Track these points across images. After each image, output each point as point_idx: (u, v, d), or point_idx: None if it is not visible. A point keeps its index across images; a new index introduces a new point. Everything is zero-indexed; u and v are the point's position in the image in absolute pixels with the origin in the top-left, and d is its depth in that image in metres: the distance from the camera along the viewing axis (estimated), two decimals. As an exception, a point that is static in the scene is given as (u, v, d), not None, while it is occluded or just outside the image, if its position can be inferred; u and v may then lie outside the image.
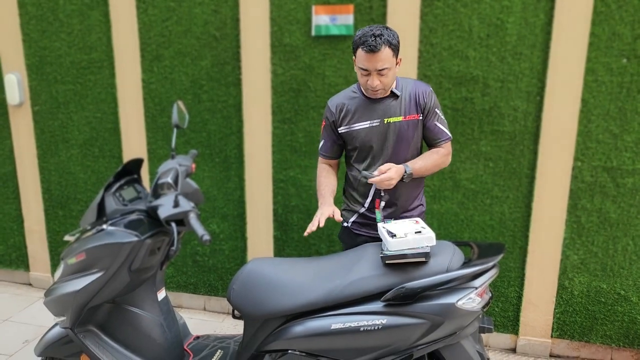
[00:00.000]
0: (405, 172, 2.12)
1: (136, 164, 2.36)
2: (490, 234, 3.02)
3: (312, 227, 2.12)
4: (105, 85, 3.40)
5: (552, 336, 3.08)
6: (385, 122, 2.21)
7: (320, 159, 2.45)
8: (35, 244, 3.86)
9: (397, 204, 2.32)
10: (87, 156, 3.56)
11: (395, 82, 2.22)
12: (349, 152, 2.36)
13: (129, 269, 2.08)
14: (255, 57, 3.10)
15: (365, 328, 1.90)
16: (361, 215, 2.37)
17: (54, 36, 3.40)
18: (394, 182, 2.09)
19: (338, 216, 2.19)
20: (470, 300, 1.90)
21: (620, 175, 2.78)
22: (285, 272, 2.10)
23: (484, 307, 1.95)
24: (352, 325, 1.91)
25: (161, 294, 2.34)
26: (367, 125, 2.23)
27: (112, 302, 2.20)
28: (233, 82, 3.18)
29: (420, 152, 2.30)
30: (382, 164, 2.18)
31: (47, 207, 3.75)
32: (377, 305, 1.92)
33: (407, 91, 2.22)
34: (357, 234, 2.39)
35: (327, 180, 2.37)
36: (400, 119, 2.20)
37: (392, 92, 2.21)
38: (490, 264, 1.94)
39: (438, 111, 2.24)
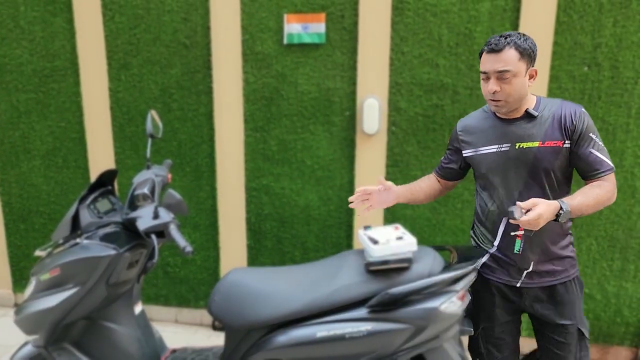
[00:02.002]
0: (562, 209, 1.72)
1: (109, 175, 2.30)
2: (462, 238, 3.09)
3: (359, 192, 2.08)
4: (69, 94, 3.30)
5: (522, 335, 3.16)
6: (517, 147, 1.88)
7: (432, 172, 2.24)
8: (-6, 259, 3.70)
9: (534, 246, 1.95)
10: (50, 167, 3.44)
11: (535, 101, 1.90)
12: (476, 179, 2.09)
13: (106, 283, 2.02)
14: (226, 65, 3.07)
15: (351, 335, 1.90)
16: (492, 256, 2.04)
17: (15, 43, 3.28)
18: (542, 222, 1.70)
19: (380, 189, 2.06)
20: (452, 303, 1.94)
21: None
22: (267, 282, 2.09)
23: (465, 309, 2.00)
24: (338, 332, 1.91)
25: (138, 308, 2.29)
26: (495, 150, 1.92)
27: (87, 318, 2.13)
28: (204, 91, 3.15)
29: (566, 186, 1.93)
30: (510, 196, 1.92)
31: (8, 221, 3.60)
32: (362, 312, 1.93)
33: (548, 112, 1.87)
34: (488, 279, 2.05)
35: (420, 183, 2.18)
36: (537, 145, 1.85)
37: (527, 112, 1.88)
38: (470, 267, 1.98)
39: (594, 136, 1.83)
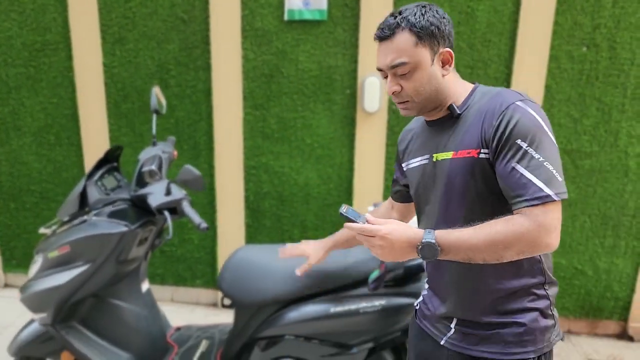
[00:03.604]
0: (422, 240, 1.18)
1: (114, 151, 2.26)
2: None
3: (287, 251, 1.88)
4: (61, 68, 3.21)
5: None
6: (434, 159, 1.35)
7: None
8: (-17, 239, 3.62)
9: (445, 298, 1.40)
10: (42, 145, 3.35)
11: (468, 93, 1.33)
12: None
13: (116, 260, 2.00)
14: (225, 41, 3.02)
15: (365, 310, 1.93)
16: (424, 298, 1.52)
17: (3, 15, 3.16)
18: (383, 250, 1.21)
19: (299, 270, 1.86)
20: (463, 278, 1.97)
21: (579, 157, 2.96)
22: (278, 258, 2.09)
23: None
24: (352, 308, 1.93)
25: (144, 286, 2.27)
26: (418, 163, 1.42)
27: (95, 296, 2.11)
28: (202, 67, 3.09)
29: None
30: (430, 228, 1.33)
31: (-3, 200, 3.51)
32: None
33: (477, 108, 1.29)
34: (417, 323, 1.52)
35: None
36: (450, 156, 1.30)
37: (450, 107, 1.32)
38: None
39: (524, 144, 1.17)
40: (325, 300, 1.97)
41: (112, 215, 2.02)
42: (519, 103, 1.21)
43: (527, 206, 1.15)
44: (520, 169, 1.16)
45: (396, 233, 1.19)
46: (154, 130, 2.21)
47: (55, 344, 2.12)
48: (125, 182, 2.25)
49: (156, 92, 2.26)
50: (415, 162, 1.43)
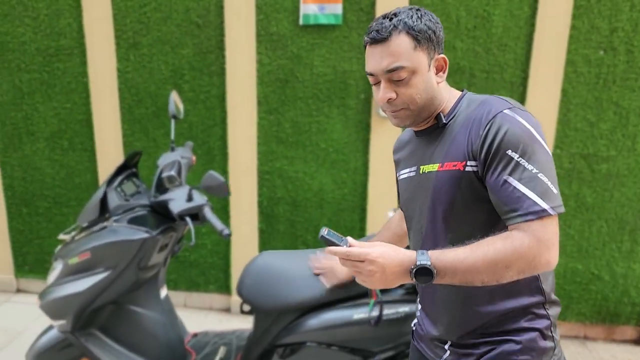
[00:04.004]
0: (417, 263, 1.08)
1: (133, 157, 2.25)
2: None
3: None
4: (75, 74, 3.21)
5: None
6: (421, 171, 1.31)
7: None
8: (-5, 244, 3.61)
9: (436, 319, 1.36)
10: (55, 150, 3.35)
11: (455, 101, 1.29)
12: None
13: (137, 266, 1.99)
14: (240, 46, 3.02)
15: (388, 317, 1.91)
16: (418, 319, 1.49)
17: (17, 21, 3.17)
18: (373, 276, 1.10)
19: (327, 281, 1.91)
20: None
21: (596, 162, 2.94)
22: (298, 265, 2.07)
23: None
24: (375, 314, 1.92)
25: (163, 292, 2.26)
26: (406, 175, 1.39)
27: (114, 303, 2.10)
28: (216, 72, 3.09)
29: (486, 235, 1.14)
30: (417, 242, 1.35)
31: (10, 205, 3.50)
32: (398, 294, 1.94)
33: (464, 117, 1.24)
34: (415, 345, 1.49)
35: (381, 231, 1.73)
36: (435, 168, 1.25)
37: (437, 117, 1.28)
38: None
39: (515, 155, 1.11)
40: (348, 307, 1.96)
41: (133, 221, 2.01)
42: (506, 111, 1.15)
43: (523, 221, 1.09)
44: (513, 181, 1.10)
45: (387, 256, 1.09)
46: (172, 136, 2.20)
47: (74, 351, 2.11)
48: (144, 188, 2.24)
49: (174, 97, 2.26)
50: (404, 173, 1.39)
